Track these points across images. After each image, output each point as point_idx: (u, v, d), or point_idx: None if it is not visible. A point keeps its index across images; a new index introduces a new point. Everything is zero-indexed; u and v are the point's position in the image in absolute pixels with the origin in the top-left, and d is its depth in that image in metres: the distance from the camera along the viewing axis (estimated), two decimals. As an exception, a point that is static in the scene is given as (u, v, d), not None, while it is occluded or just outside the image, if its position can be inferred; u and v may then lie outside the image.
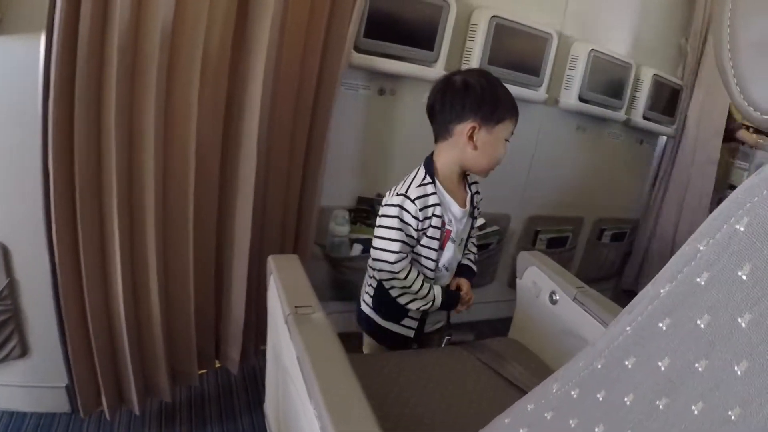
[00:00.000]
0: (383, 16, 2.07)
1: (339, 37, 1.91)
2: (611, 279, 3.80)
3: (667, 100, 3.26)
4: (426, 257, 1.57)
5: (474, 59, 2.34)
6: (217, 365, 2.14)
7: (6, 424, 1.78)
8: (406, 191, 1.51)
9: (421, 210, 1.49)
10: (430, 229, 1.52)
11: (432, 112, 1.59)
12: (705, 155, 3.34)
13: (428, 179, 1.54)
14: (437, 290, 1.59)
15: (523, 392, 1.34)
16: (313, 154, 2.04)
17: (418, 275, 1.55)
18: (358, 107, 2.24)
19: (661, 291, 0.57)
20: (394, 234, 1.50)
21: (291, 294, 1.27)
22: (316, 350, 1.07)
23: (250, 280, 1.95)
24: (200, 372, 2.06)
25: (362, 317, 1.73)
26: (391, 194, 1.54)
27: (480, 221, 1.88)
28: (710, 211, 0.56)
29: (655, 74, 3.06)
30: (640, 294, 0.61)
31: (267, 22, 1.67)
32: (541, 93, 2.61)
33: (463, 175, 1.64)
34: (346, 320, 2.55)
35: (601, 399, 0.63)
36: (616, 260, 3.70)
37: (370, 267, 1.62)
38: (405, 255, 1.52)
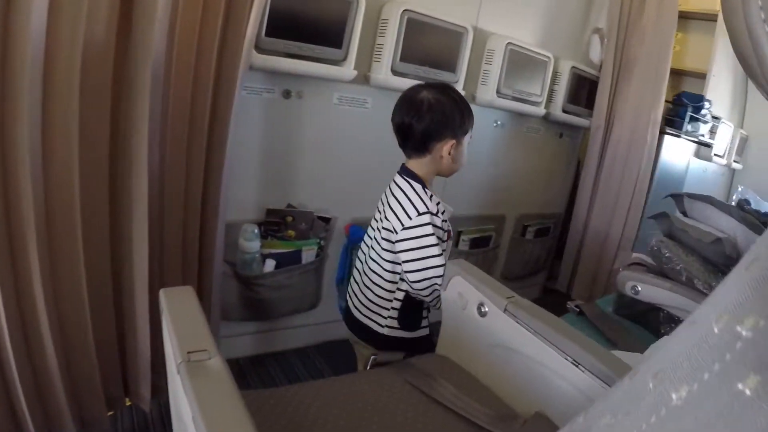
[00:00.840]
0: (286, 13, 1.95)
1: (236, 38, 1.77)
2: (538, 274, 3.81)
3: (587, 92, 3.27)
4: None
5: (385, 56, 2.24)
6: (128, 403, 1.98)
7: None
8: (428, 209, 1.60)
9: (444, 221, 1.64)
10: (444, 234, 1.65)
11: (405, 131, 1.66)
12: (639, 146, 3.36)
13: (428, 191, 1.66)
14: None
15: (454, 413, 1.31)
16: (214, 166, 1.89)
17: None
18: (262, 112, 2.11)
19: (674, 395, 0.47)
20: (437, 250, 1.60)
21: (184, 336, 1.12)
22: (211, 408, 0.94)
23: (153, 310, 1.80)
24: (110, 413, 1.90)
25: (389, 343, 1.73)
26: (408, 217, 1.61)
27: None
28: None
29: (573, 66, 3.06)
30: (628, 388, 0.52)
31: (153, 24, 1.53)
32: (457, 89, 2.52)
33: None
34: (261, 341, 2.45)
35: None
36: (541, 255, 3.70)
37: (387, 288, 1.70)
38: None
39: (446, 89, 1.67)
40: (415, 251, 1.61)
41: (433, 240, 1.59)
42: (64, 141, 1.48)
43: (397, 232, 1.62)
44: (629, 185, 3.42)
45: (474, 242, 3.12)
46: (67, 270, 1.60)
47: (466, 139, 1.68)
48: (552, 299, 3.81)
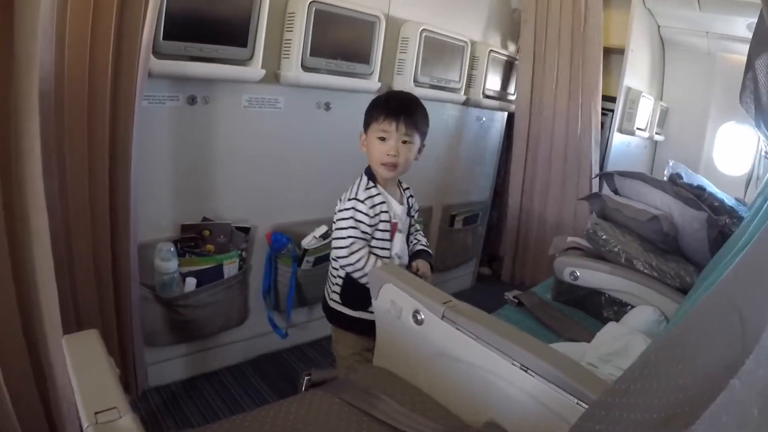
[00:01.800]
0: (185, 13, 1.85)
1: (131, 43, 1.68)
2: (470, 262, 3.85)
3: (508, 76, 3.30)
4: (381, 248, 1.91)
5: (294, 52, 2.18)
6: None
7: None
8: (356, 196, 1.87)
9: (371, 208, 1.87)
10: (381, 223, 1.89)
11: None
12: (570, 130, 3.43)
13: (371, 184, 1.91)
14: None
15: (400, 431, 1.27)
16: (119, 185, 1.78)
17: (375, 261, 1.86)
18: (167, 122, 2.00)
19: None
20: (344, 232, 1.85)
21: (90, 393, 1.01)
22: None
23: (37, 370, 1.66)
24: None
25: (333, 315, 2.00)
26: (342, 202, 1.90)
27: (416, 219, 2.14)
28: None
29: (491, 50, 3.06)
30: None
31: (35, 35, 1.39)
32: (373, 81, 2.50)
33: (398, 181, 2.03)
34: (192, 363, 2.36)
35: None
36: (471, 243, 3.73)
37: (333, 265, 1.97)
38: (359, 247, 1.85)
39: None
40: (335, 231, 1.90)
41: (343, 224, 1.86)
42: None
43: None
44: (559, 167, 3.48)
45: (403, 237, 3.09)
46: None
47: (373, 130, 1.86)
48: (488, 287, 3.87)
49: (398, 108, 1.83)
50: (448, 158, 3.29)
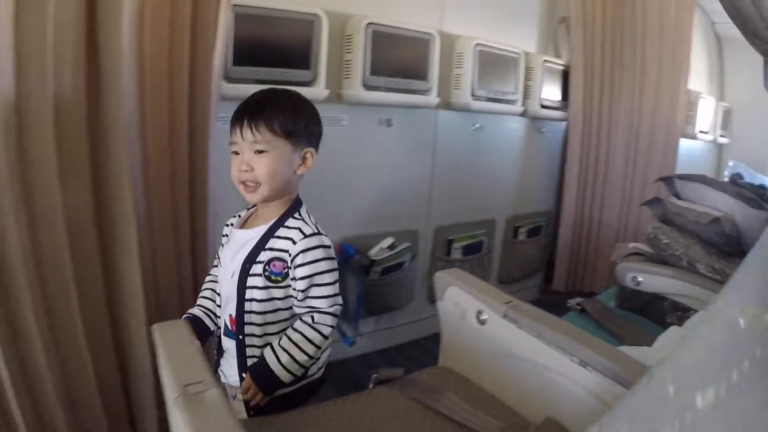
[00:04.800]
0: (251, 40, 2.04)
1: (205, 70, 1.86)
2: (534, 275, 3.85)
3: (564, 85, 3.36)
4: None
5: (355, 71, 2.34)
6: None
7: None
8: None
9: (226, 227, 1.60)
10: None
11: None
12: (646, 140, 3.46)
13: (248, 209, 1.60)
14: None
15: (464, 427, 1.32)
16: (198, 200, 1.98)
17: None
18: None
19: (698, 398, 0.45)
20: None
21: (179, 369, 1.15)
22: None
23: (153, 347, 1.86)
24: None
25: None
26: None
27: None
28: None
29: (545, 60, 3.15)
30: (646, 391, 0.50)
31: (121, 67, 1.63)
32: (432, 97, 2.63)
33: (296, 214, 1.49)
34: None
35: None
36: (536, 256, 3.74)
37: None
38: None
39: None
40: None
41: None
42: (45, 194, 1.58)
43: None
44: (620, 173, 3.52)
45: (466, 249, 3.19)
46: (62, 319, 1.68)
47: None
48: (551, 299, 3.84)
49: (243, 109, 1.40)
50: (509, 170, 3.36)
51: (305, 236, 1.39)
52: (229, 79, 1.99)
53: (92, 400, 1.79)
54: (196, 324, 1.50)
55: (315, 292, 1.40)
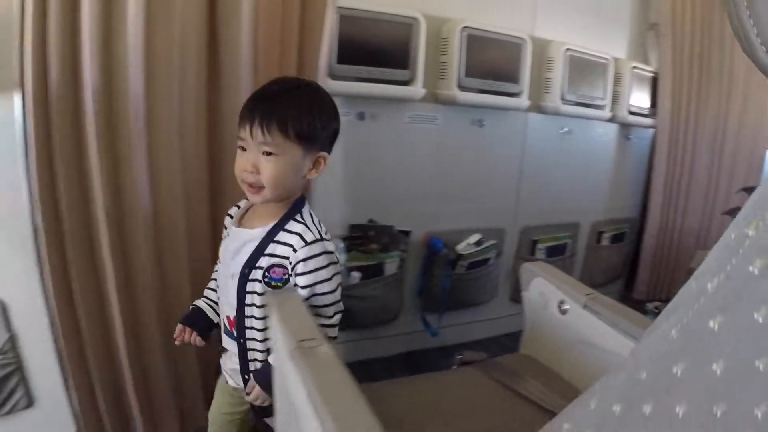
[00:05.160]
0: (354, 40, 2.19)
1: (312, 68, 2.02)
2: (616, 281, 3.86)
3: (650, 92, 3.38)
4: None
5: (451, 73, 2.45)
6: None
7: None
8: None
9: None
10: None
11: None
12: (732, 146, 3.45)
13: (244, 204, 1.51)
14: None
15: (543, 408, 1.40)
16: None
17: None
18: (340, 135, 2.31)
19: (708, 286, 0.55)
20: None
21: (294, 328, 1.26)
22: (326, 385, 1.08)
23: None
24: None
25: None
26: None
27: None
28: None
29: (634, 66, 3.19)
30: (682, 292, 0.59)
31: (239, 61, 1.82)
32: (522, 100, 2.71)
33: (297, 216, 1.39)
34: (350, 349, 2.62)
35: (648, 413, 0.57)
36: (618, 262, 3.76)
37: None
38: None
39: None
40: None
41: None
42: (168, 170, 1.80)
43: None
44: (703, 181, 3.52)
45: (550, 250, 3.25)
46: (173, 278, 1.91)
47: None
48: (630, 306, 3.81)
49: (255, 104, 1.29)
50: (595, 174, 3.40)
51: (306, 244, 1.32)
52: (333, 76, 2.14)
53: (191, 366, 2.02)
54: (201, 316, 1.51)
55: (317, 301, 1.36)
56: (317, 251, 1.32)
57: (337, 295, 1.39)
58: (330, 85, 2.11)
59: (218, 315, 1.51)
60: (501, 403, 1.45)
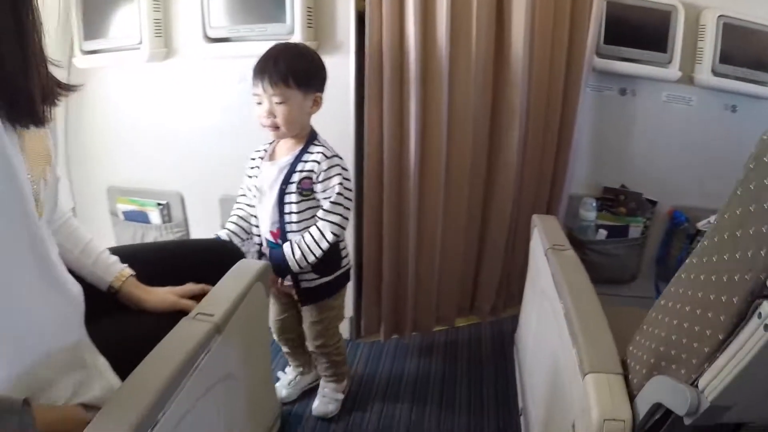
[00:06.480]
0: (619, 23, 2.49)
1: (580, 45, 2.37)
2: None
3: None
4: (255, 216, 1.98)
5: (706, 59, 2.60)
6: (468, 323, 2.77)
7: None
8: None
9: (250, 169, 1.95)
10: (252, 188, 1.94)
11: None
12: None
13: (268, 143, 1.94)
14: None
15: None
16: (562, 148, 2.52)
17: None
18: (601, 106, 2.65)
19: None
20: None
21: (550, 237, 1.80)
22: (567, 274, 1.56)
23: (505, 252, 2.56)
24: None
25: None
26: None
27: None
28: None
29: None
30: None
31: (519, 37, 2.22)
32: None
33: (314, 141, 1.85)
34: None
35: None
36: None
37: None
38: None
39: None
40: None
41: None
42: (462, 124, 2.29)
43: None
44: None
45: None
46: (454, 211, 2.43)
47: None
48: None
49: (261, 67, 1.71)
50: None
51: (327, 157, 1.78)
52: (599, 54, 2.48)
53: (453, 281, 2.58)
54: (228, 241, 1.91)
55: (328, 206, 1.80)
56: (336, 163, 1.79)
57: (347, 204, 1.82)
58: (595, 62, 2.46)
59: (240, 238, 1.94)
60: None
